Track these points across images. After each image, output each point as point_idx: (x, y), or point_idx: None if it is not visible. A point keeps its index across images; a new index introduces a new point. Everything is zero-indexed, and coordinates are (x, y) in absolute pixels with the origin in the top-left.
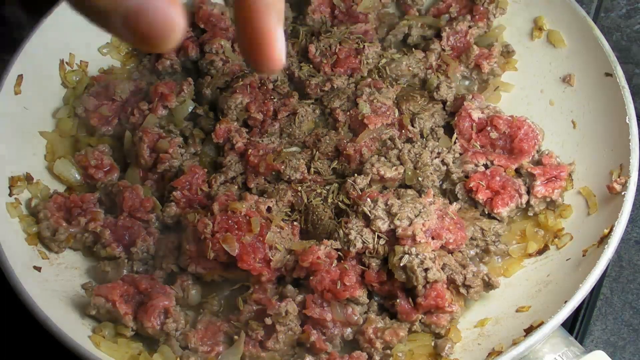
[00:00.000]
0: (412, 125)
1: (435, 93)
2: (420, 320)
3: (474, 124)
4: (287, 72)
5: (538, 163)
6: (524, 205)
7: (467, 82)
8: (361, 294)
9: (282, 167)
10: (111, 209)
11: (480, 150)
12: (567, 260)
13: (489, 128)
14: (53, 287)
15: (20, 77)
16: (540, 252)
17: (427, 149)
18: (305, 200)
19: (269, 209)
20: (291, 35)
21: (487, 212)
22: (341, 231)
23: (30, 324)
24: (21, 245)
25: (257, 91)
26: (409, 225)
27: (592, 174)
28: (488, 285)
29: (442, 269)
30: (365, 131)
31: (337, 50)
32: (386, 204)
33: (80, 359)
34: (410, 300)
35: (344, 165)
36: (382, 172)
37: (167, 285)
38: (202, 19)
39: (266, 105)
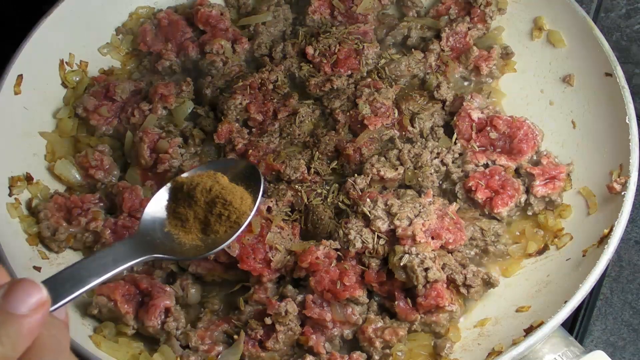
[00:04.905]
0: (412, 126)
1: (435, 92)
2: (420, 320)
3: (474, 124)
4: (287, 72)
5: (537, 163)
6: (523, 204)
7: (464, 84)
8: (361, 294)
9: (282, 167)
10: (111, 209)
11: (480, 151)
12: (567, 260)
13: (488, 128)
14: None
15: (20, 77)
16: (540, 252)
17: (427, 149)
18: (305, 200)
19: (269, 209)
20: (291, 36)
21: (486, 212)
22: (341, 231)
23: None
24: (21, 246)
25: (257, 92)
26: (409, 225)
27: (592, 174)
28: (488, 284)
29: (442, 268)
30: (365, 132)
31: (336, 51)
32: (386, 204)
33: (81, 359)
34: (410, 300)
35: (343, 165)
36: (382, 173)
37: (167, 285)
38: (201, 20)
39: (266, 106)
